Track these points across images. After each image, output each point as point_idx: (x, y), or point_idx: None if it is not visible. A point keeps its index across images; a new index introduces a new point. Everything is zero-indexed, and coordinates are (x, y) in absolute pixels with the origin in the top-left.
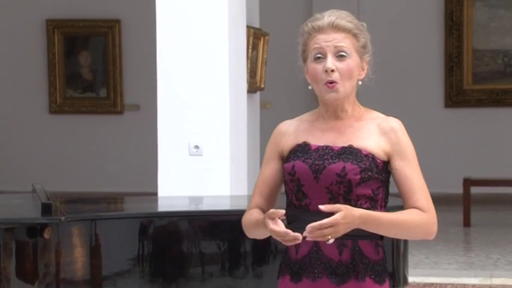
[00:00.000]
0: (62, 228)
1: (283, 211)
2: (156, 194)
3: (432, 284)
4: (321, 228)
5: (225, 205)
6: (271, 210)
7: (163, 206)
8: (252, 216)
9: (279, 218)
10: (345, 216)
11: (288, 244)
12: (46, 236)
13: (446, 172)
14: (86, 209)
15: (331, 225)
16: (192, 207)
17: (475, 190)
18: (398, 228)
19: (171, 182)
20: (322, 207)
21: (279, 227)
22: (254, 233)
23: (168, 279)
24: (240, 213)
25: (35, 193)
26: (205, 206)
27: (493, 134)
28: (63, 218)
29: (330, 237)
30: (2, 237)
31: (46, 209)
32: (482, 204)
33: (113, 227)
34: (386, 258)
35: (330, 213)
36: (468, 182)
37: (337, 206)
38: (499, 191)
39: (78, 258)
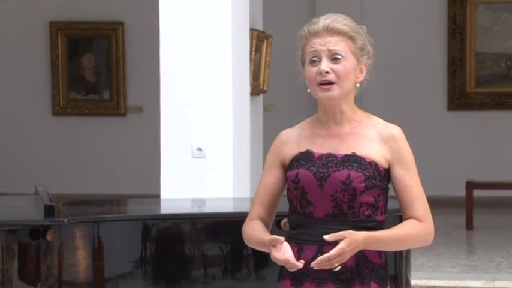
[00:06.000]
0: (64, 230)
1: (283, 238)
2: (159, 196)
3: (435, 287)
4: (329, 259)
5: (227, 207)
6: (272, 238)
7: (166, 208)
8: (255, 232)
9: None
10: (349, 243)
11: (291, 270)
12: (49, 238)
13: (449, 175)
14: (89, 211)
15: (338, 255)
16: (194, 210)
17: (477, 193)
18: (399, 244)
19: (174, 184)
20: (326, 237)
21: (281, 254)
22: (257, 248)
23: (170, 282)
24: (243, 216)
25: (37, 195)
26: (208, 208)
27: (496, 137)
28: (65, 220)
29: (336, 265)
30: (4, 239)
31: (49, 211)
32: (485, 208)
33: (115, 229)
34: (388, 261)
35: (333, 220)
36: (471, 185)
37: (341, 233)
38: (502, 194)
39: (80, 261)
